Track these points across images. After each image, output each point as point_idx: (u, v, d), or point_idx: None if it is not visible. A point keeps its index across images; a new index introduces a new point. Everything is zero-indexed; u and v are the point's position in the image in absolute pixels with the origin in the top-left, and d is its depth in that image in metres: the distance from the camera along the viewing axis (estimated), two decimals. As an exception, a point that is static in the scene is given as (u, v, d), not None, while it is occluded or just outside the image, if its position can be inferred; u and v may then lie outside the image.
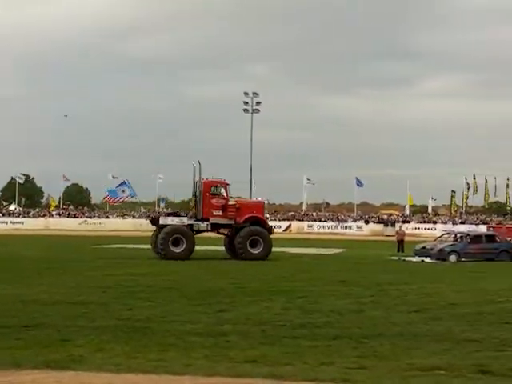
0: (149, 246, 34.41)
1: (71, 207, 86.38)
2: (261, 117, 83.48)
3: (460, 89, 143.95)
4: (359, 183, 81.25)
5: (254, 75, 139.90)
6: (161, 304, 15.69)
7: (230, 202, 34.05)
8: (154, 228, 34.49)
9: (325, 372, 9.35)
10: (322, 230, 73.89)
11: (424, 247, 35.88)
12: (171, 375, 9.06)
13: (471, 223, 71.64)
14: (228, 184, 34.71)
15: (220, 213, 33.56)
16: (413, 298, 17.56)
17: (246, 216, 33.75)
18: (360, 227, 74.29)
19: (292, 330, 12.52)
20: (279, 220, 77.54)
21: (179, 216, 34.57)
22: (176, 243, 32.43)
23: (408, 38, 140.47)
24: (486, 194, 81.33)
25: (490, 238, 36.15)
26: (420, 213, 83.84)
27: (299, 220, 77.43)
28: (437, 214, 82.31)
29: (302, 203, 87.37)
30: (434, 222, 74.30)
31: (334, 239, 58.08)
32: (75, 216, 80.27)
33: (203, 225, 33.61)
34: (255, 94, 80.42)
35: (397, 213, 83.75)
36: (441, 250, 34.27)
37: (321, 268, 27.74)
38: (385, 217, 78.63)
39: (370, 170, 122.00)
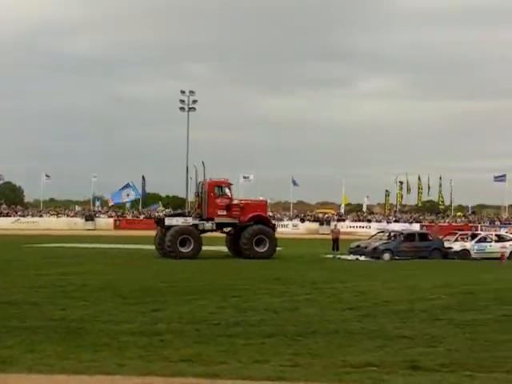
0: (82, 245, 34.00)
1: (4, 206, 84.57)
2: (199, 116, 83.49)
3: (395, 89, 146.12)
4: (295, 183, 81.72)
5: (193, 75, 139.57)
6: (95, 304, 15.50)
7: (234, 202, 34.59)
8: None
9: (259, 370, 9.38)
10: (258, 229, 73.94)
11: (358, 245, 36.29)
12: (104, 375, 8.97)
13: (405, 222, 72.81)
14: (231, 184, 35.44)
15: (224, 212, 34.14)
16: (347, 296, 17.75)
17: (250, 215, 34.31)
18: (296, 226, 74.71)
19: (226, 329, 12.53)
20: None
21: (184, 216, 35.02)
22: (183, 243, 32.82)
23: (344, 39, 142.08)
24: (419, 193, 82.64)
25: (423, 237, 36.79)
26: (355, 211, 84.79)
27: (236, 218, 77.40)
28: (371, 213, 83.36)
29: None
30: (369, 221, 75.24)
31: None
32: (8, 215, 78.58)
33: (208, 224, 34.16)
34: (191, 92, 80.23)
35: (332, 211, 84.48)
36: (375, 248, 34.72)
37: (256, 266, 27.80)
38: (320, 215, 79.23)
39: (306, 168, 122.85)
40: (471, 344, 11.44)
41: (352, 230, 69.33)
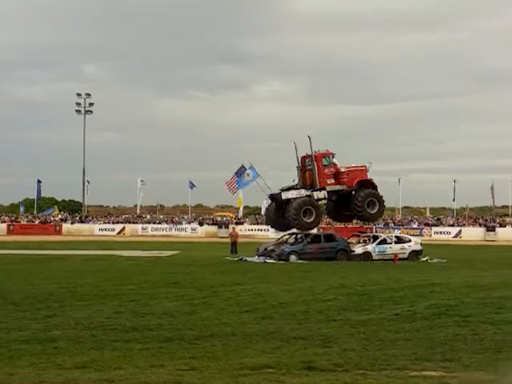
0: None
1: None
2: (95, 118, 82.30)
3: (291, 93, 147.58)
4: (192, 185, 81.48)
5: (88, 77, 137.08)
6: (-16, 311, 15.03)
7: (341, 169, 36.95)
8: None
9: (156, 374, 9.33)
10: (156, 233, 73.52)
11: (266, 248, 36.38)
12: (-7, 385, 8.72)
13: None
14: (334, 153, 37.44)
15: (333, 181, 36.89)
16: (245, 299, 17.83)
17: (357, 180, 36.82)
18: (194, 229, 74.57)
19: (124, 334, 12.40)
20: (113, 223, 76.51)
21: (297, 189, 36.87)
22: (305, 214, 35.44)
23: (241, 42, 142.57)
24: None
25: (329, 238, 37.15)
26: (253, 214, 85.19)
27: (133, 223, 76.76)
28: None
29: (136, 205, 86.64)
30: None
31: (169, 241, 58.04)
32: None
33: (321, 194, 36.67)
34: (88, 94, 79.34)
35: (231, 214, 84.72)
36: (282, 250, 34.97)
37: (154, 270, 27.54)
38: (219, 218, 79.37)
39: (205, 172, 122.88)
40: (365, 343, 11.71)
41: (251, 233, 69.75)
